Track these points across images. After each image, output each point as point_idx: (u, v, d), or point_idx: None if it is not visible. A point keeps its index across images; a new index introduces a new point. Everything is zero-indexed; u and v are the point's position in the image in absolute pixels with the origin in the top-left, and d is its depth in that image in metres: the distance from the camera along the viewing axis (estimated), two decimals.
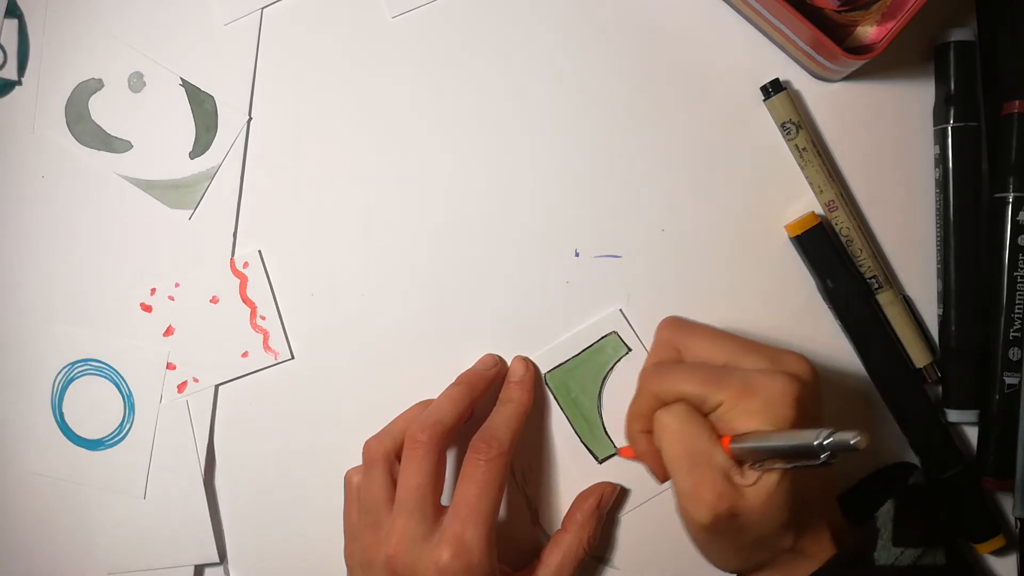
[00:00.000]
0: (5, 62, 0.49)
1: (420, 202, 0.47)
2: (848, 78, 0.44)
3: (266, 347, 0.47)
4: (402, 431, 0.42)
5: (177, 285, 0.48)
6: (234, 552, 0.49)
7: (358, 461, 0.44)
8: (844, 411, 0.45)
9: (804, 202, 0.45)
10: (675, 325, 0.41)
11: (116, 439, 0.48)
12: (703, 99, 0.45)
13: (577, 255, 0.46)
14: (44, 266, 0.49)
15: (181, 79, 0.47)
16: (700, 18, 0.45)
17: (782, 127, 0.44)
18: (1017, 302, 0.43)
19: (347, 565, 0.43)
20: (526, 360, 0.45)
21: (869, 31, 0.42)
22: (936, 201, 0.44)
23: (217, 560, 0.48)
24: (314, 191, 0.47)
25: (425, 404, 0.45)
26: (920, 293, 0.45)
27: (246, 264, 0.47)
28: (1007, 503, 0.44)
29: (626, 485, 0.45)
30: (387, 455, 0.42)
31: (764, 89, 0.44)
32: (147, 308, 0.48)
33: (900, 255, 0.45)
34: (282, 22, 0.47)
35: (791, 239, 0.44)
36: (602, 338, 0.45)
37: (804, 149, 0.43)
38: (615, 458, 0.45)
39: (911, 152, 0.44)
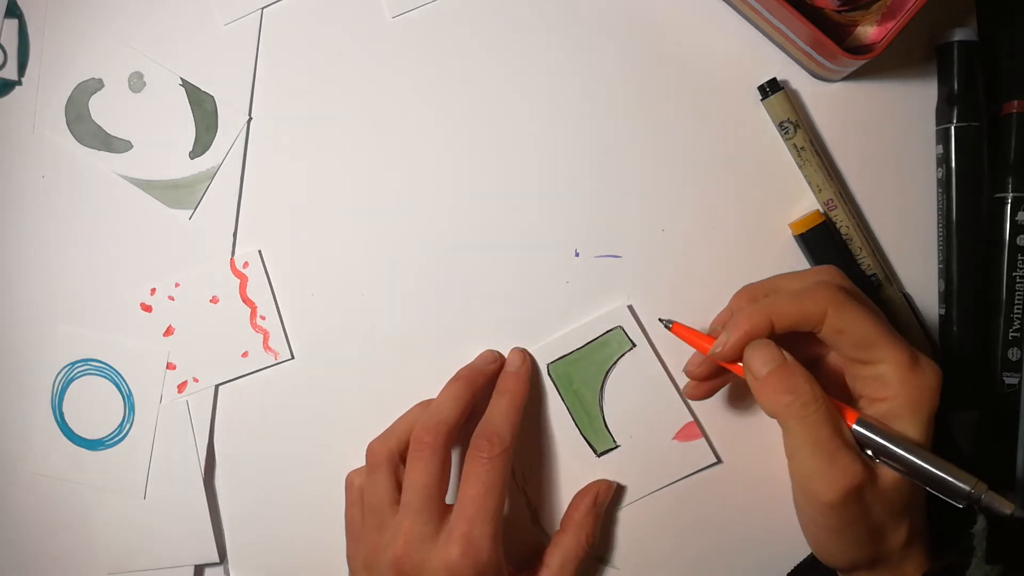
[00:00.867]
0: (5, 62, 0.49)
1: (420, 202, 0.47)
2: (848, 78, 0.44)
3: (266, 347, 0.47)
4: (405, 431, 0.42)
5: (177, 285, 0.48)
6: (234, 552, 0.49)
7: (359, 461, 0.44)
8: None
9: (805, 202, 0.45)
10: (845, 280, 0.38)
11: (116, 439, 0.48)
12: (703, 99, 0.45)
13: (577, 255, 0.46)
14: (44, 266, 0.49)
15: (181, 79, 0.47)
16: (700, 18, 0.45)
17: (780, 126, 0.44)
18: (1016, 302, 0.43)
19: (350, 567, 0.43)
20: (523, 351, 0.45)
21: (869, 31, 0.42)
22: (938, 201, 0.44)
23: (217, 560, 0.48)
24: (314, 191, 0.47)
25: (426, 404, 0.45)
26: (918, 293, 0.45)
27: (246, 264, 0.47)
28: None
29: (623, 481, 0.45)
30: (391, 456, 0.42)
31: (762, 89, 0.44)
32: (147, 308, 0.48)
33: (899, 254, 0.45)
34: (282, 22, 0.47)
35: (795, 237, 0.44)
36: (607, 332, 0.45)
37: (802, 148, 0.43)
38: (614, 452, 0.45)
39: (911, 152, 0.44)
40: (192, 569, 0.48)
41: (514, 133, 0.46)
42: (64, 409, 0.49)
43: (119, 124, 0.48)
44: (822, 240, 0.43)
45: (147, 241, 0.48)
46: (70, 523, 0.49)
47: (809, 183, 0.44)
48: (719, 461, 0.45)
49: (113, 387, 0.48)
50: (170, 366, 0.48)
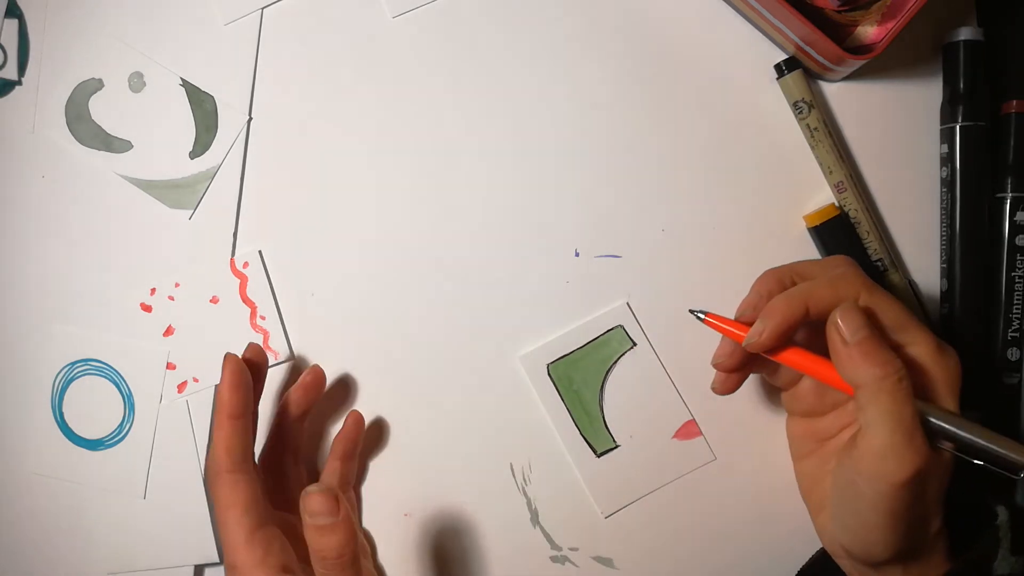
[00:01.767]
0: (5, 62, 0.49)
1: (420, 202, 0.47)
2: (848, 78, 0.44)
3: (266, 347, 0.47)
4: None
5: (177, 285, 0.48)
6: None
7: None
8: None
9: (813, 198, 0.45)
10: (859, 270, 0.38)
11: (116, 439, 0.48)
12: (704, 99, 0.45)
13: (577, 255, 0.46)
14: (44, 266, 0.49)
15: (181, 79, 0.47)
16: (701, 18, 0.45)
17: (794, 106, 0.44)
18: (1015, 302, 0.43)
19: None
20: (358, 416, 0.46)
21: (869, 31, 0.42)
22: (942, 200, 0.44)
23: (217, 560, 0.48)
24: (314, 191, 0.47)
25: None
26: (923, 285, 0.45)
27: (246, 264, 0.47)
28: None
29: (624, 480, 0.45)
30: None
31: (778, 68, 0.44)
32: (147, 308, 0.48)
33: (904, 246, 0.45)
34: (282, 22, 0.47)
35: (809, 229, 0.44)
36: (607, 331, 0.45)
37: (815, 129, 0.43)
38: (614, 452, 0.45)
39: (912, 151, 0.45)
40: (192, 569, 0.48)
41: (514, 132, 0.46)
42: (64, 409, 0.49)
43: (119, 124, 0.48)
44: (837, 234, 0.43)
45: (147, 241, 0.48)
46: (70, 523, 0.49)
47: (821, 165, 0.44)
48: (714, 458, 0.45)
49: (113, 387, 0.48)
50: (170, 366, 0.48)
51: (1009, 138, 0.43)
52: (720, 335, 0.39)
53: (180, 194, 0.48)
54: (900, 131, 0.45)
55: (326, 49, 0.47)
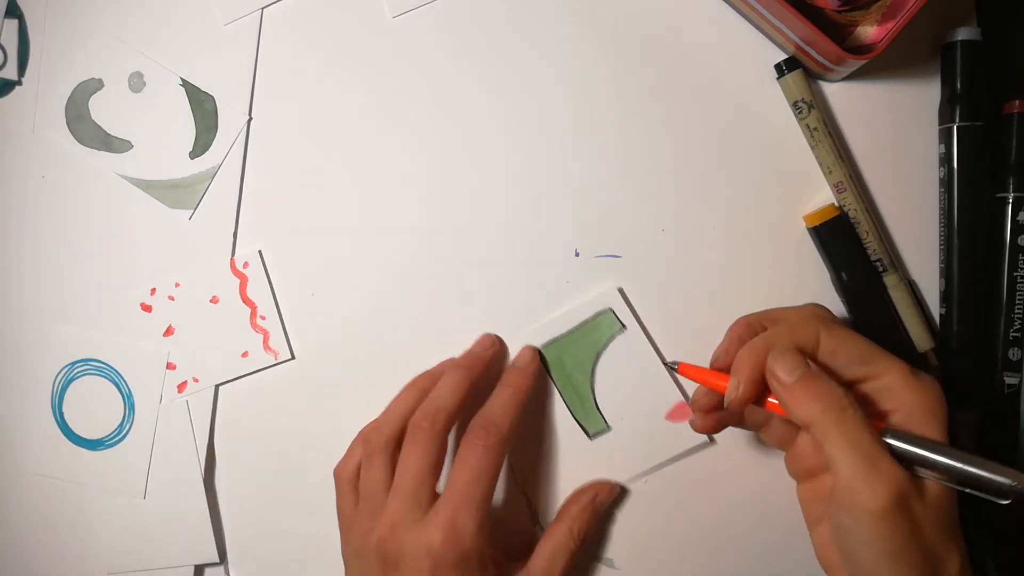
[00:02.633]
0: (5, 62, 0.49)
1: (420, 202, 0.47)
2: (848, 78, 0.44)
3: (266, 347, 0.47)
4: (401, 417, 0.43)
5: (177, 285, 0.48)
6: (234, 552, 0.49)
7: None
8: None
9: (813, 199, 0.45)
10: (825, 310, 0.39)
11: (116, 439, 0.48)
12: (703, 98, 0.45)
13: (577, 255, 0.46)
14: (44, 266, 0.49)
15: (181, 79, 0.47)
16: (700, 17, 0.45)
17: (794, 106, 0.44)
18: (1017, 302, 0.43)
19: (344, 558, 0.43)
20: (534, 351, 0.45)
21: (869, 31, 0.42)
22: (940, 200, 0.44)
23: (217, 560, 0.48)
24: (314, 191, 0.47)
25: (415, 387, 0.44)
26: (922, 286, 0.45)
27: (246, 264, 0.47)
28: None
29: (616, 462, 0.45)
30: (387, 443, 0.42)
31: (778, 67, 0.44)
32: (147, 308, 0.48)
33: (903, 246, 0.45)
34: (282, 22, 0.47)
35: (809, 229, 0.44)
36: (598, 315, 0.45)
37: (815, 129, 0.43)
38: (606, 434, 0.45)
39: (912, 152, 0.45)
40: (192, 569, 0.48)
41: (514, 132, 0.46)
42: (64, 409, 0.49)
43: (119, 124, 0.48)
44: (836, 234, 0.43)
45: (147, 241, 0.48)
46: (70, 523, 0.49)
47: (820, 164, 0.44)
48: (712, 442, 0.45)
49: (113, 387, 0.48)
50: (170, 366, 0.48)
51: (1011, 138, 0.43)
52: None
53: (180, 194, 0.48)
54: (900, 131, 0.45)
55: (326, 49, 0.47)
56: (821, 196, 0.45)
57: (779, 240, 0.45)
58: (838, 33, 0.42)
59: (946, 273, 0.43)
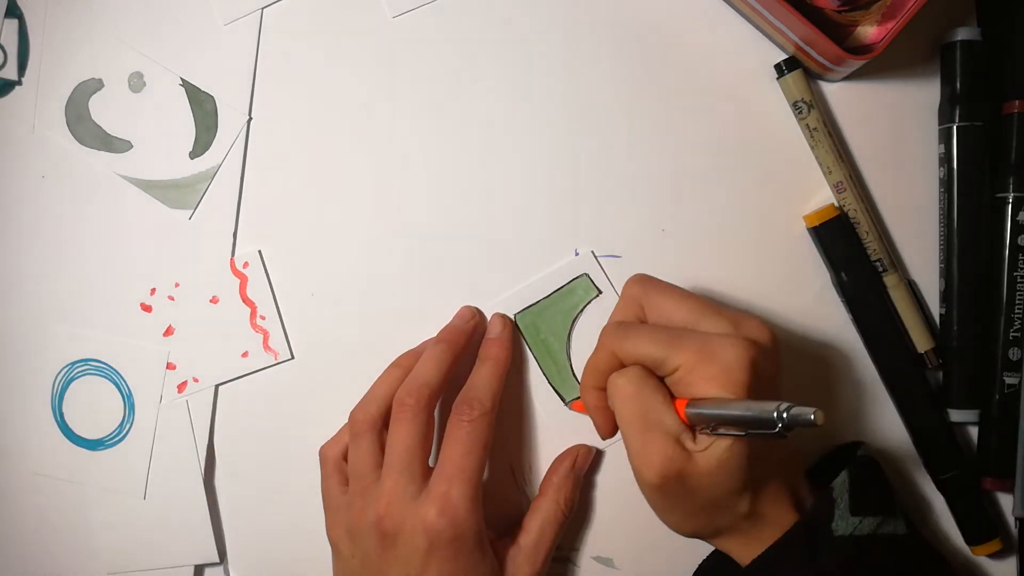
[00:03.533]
0: (5, 62, 0.49)
1: (420, 202, 0.47)
2: (848, 78, 0.44)
3: (266, 347, 0.47)
4: (386, 396, 0.43)
5: (177, 285, 0.48)
6: (234, 552, 0.49)
7: None
8: (849, 404, 0.45)
9: (813, 198, 0.45)
10: (642, 282, 0.40)
11: (116, 439, 0.48)
12: (703, 98, 0.45)
13: (577, 255, 0.46)
14: (44, 266, 0.49)
15: (181, 79, 0.47)
16: (700, 17, 0.45)
17: (794, 106, 0.44)
18: (1017, 302, 0.43)
19: (331, 540, 0.43)
20: (503, 317, 0.46)
21: (869, 31, 0.42)
22: (940, 200, 0.44)
23: (217, 560, 0.48)
24: (314, 191, 0.47)
25: (399, 366, 0.45)
26: (922, 286, 0.45)
27: (246, 264, 0.47)
28: (1007, 503, 0.44)
29: (599, 440, 0.45)
30: (374, 422, 0.43)
31: (778, 67, 0.44)
32: (147, 308, 0.48)
33: (904, 248, 0.45)
34: (282, 22, 0.47)
35: (808, 229, 0.44)
36: (573, 280, 0.45)
37: (815, 129, 0.43)
38: (571, 402, 0.46)
39: (912, 152, 0.45)
40: (192, 569, 0.48)
41: (514, 132, 0.46)
42: (64, 409, 0.49)
43: (119, 124, 0.48)
44: (836, 234, 0.43)
45: (147, 241, 0.48)
46: (70, 523, 0.49)
47: (820, 164, 0.44)
48: None
49: (113, 387, 0.48)
50: (170, 366, 0.48)
51: (1011, 138, 0.43)
52: None
53: (180, 194, 0.48)
54: (900, 131, 0.45)
55: (326, 49, 0.47)
56: (821, 196, 0.45)
57: (779, 240, 0.45)
58: (838, 33, 0.42)
59: (946, 273, 0.43)
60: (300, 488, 0.47)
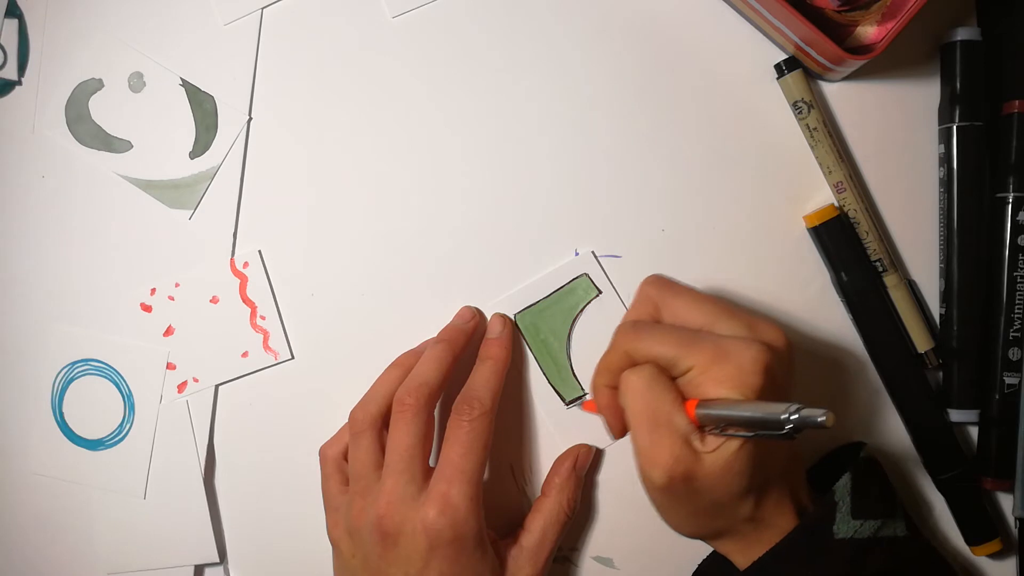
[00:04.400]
0: (5, 62, 0.49)
1: (421, 202, 0.47)
2: (848, 78, 0.44)
3: (266, 347, 0.47)
4: (386, 396, 0.43)
5: (177, 285, 0.48)
6: (234, 552, 0.49)
7: None
8: (849, 404, 0.45)
9: (812, 199, 0.45)
10: (658, 283, 0.40)
11: (116, 439, 0.48)
12: (703, 98, 0.45)
13: (577, 255, 0.46)
14: (44, 266, 0.49)
15: (181, 79, 0.47)
16: (700, 17, 0.45)
17: (794, 106, 0.44)
18: (1017, 302, 0.43)
19: (331, 540, 0.43)
20: (503, 317, 0.46)
21: (869, 31, 0.42)
22: (940, 200, 0.44)
23: (217, 560, 0.48)
24: (314, 191, 0.47)
25: (399, 365, 0.45)
26: (922, 286, 0.45)
27: (246, 264, 0.47)
28: (1007, 503, 0.44)
29: (593, 428, 0.45)
30: (374, 422, 0.43)
31: (778, 67, 0.44)
32: (147, 308, 0.48)
33: (904, 248, 0.45)
34: (282, 22, 0.47)
35: (808, 230, 0.44)
36: (573, 280, 0.46)
37: (815, 129, 0.43)
38: (584, 398, 0.45)
39: (912, 152, 0.45)
40: (192, 569, 0.48)
41: (514, 132, 0.46)
42: (64, 409, 0.49)
43: (119, 124, 0.48)
44: (836, 234, 0.43)
45: (147, 241, 0.48)
46: (70, 523, 0.49)
47: (820, 164, 0.44)
48: None
49: (113, 387, 0.48)
50: (170, 366, 0.48)
51: (1010, 138, 0.43)
52: None
53: (180, 194, 0.48)
54: (900, 131, 0.45)
55: (326, 49, 0.47)
56: (821, 196, 0.45)
57: (779, 240, 0.45)
58: (838, 33, 0.42)
59: (946, 273, 0.43)
60: (300, 488, 0.47)
